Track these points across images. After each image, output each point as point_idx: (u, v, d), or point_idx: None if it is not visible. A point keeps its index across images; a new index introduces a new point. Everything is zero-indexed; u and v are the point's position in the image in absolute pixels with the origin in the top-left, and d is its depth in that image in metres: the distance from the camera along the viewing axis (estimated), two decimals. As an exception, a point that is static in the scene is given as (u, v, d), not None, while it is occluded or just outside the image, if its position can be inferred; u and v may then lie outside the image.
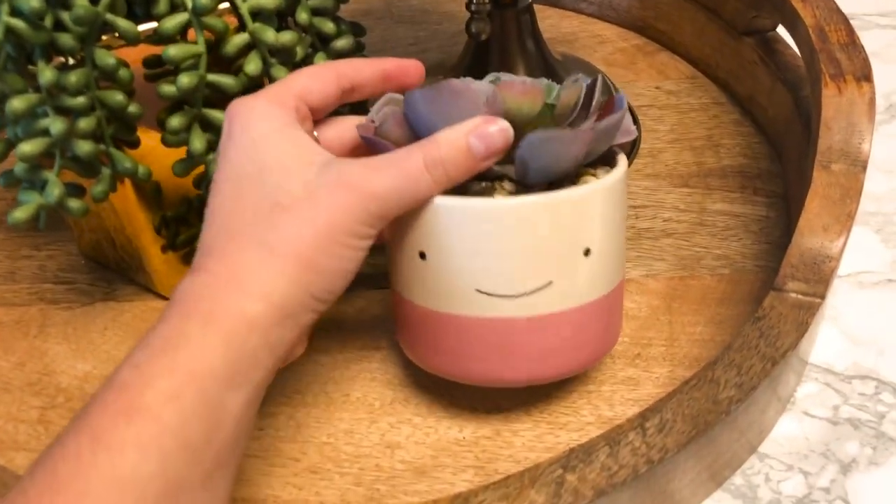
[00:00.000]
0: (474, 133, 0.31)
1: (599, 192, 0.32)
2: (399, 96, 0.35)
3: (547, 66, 0.48)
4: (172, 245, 0.43)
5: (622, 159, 0.35)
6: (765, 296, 0.41)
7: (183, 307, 0.28)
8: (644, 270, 0.43)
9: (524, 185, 0.32)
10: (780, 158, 0.49)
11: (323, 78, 0.33)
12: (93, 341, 0.42)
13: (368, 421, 0.37)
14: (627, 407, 0.37)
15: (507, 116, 0.32)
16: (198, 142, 0.36)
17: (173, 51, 0.34)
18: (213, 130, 0.37)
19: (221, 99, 0.36)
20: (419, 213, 0.32)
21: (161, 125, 0.36)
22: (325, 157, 0.31)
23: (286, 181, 0.30)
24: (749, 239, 0.45)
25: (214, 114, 0.36)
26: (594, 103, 0.33)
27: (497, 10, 0.45)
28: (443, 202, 0.31)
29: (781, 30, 0.50)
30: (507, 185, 0.33)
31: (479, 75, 0.35)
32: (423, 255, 0.33)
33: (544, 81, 0.35)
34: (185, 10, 0.34)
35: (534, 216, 0.31)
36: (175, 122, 0.35)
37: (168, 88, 0.34)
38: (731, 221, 0.46)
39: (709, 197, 0.47)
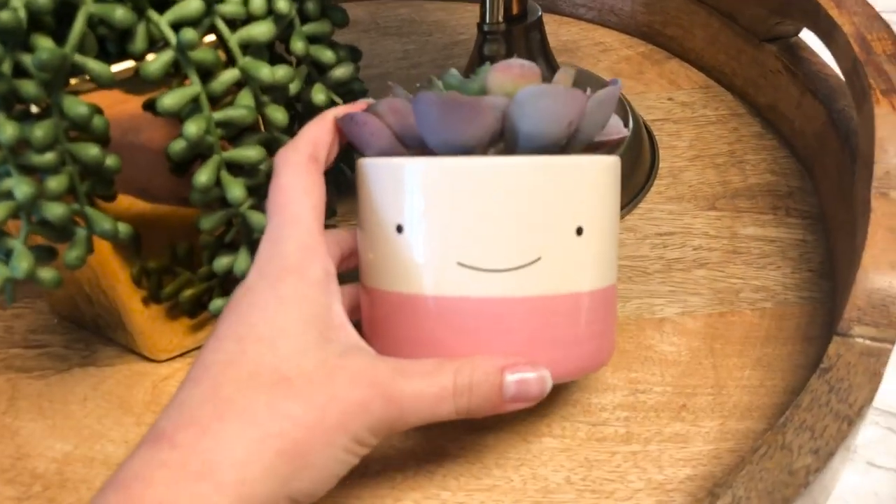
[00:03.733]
0: (511, 371, 0.28)
1: (593, 165, 0.30)
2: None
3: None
4: (156, 297, 0.38)
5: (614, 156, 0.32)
6: (814, 332, 0.38)
7: (128, 493, 0.24)
8: (679, 307, 0.40)
9: (512, 154, 0.30)
10: (811, 175, 0.46)
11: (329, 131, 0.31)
12: (72, 415, 0.37)
13: (392, 499, 0.33)
14: (678, 468, 0.33)
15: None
16: (237, 190, 0.32)
17: (168, 100, 0.29)
18: (245, 172, 0.33)
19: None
20: (398, 175, 0.29)
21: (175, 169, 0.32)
22: (348, 336, 0.28)
23: (299, 352, 0.26)
24: (788, 267, 0.41)
25: (241, 153, 0.32)
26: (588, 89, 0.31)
27: (508, 27, 0.41)
28: (425, 161, 0.29)
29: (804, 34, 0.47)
30: (493, 150, 0.30)
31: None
32: (399, 229, 0.30)
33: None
34: (168, 45, 0.30)
35: (523, 177, 0.29)
36: (203, 177, 0.31)
37: (178, 146, 0.30)
38: (766, 247, 0.42)
39: (739, 220, 0.44)
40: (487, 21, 0.40)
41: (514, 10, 0.41)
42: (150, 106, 0.32)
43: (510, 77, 0.30)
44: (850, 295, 0.33)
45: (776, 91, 0.48)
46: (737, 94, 0.52)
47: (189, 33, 0.29)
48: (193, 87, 0.31)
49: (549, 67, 0.43)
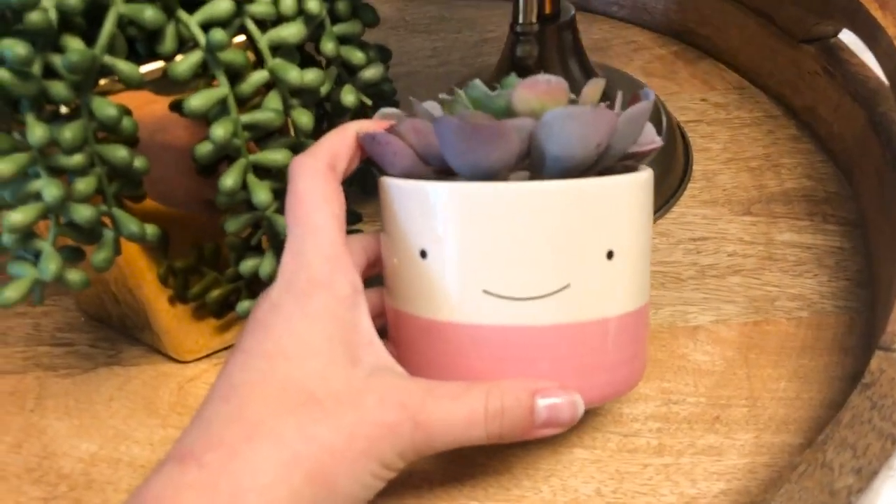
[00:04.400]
0: (542, 395, 0.28)
1: (626, 186, 0.29)
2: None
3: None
4: (182, 297, 0.38)
5: (647, 168, 0.31)
6: (851, 343, 0.37)
7: None
8: (713, 315, 0.39)
9: (538, 176, 0.29)
10: (849, 180, 0.44)
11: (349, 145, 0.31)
12: (97, 415, 0.37)
13: (418, 508, 0.33)
14: (712, 482, 0.33)
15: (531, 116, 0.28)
16: (262, 193, 0.32)
17: (196, 101, 0.29)
18: (271, 175, 0.33)
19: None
20: (421, 199, 0.29)
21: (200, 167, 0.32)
22: (377, 354, 0.28)
23: (328, 372, 0.26)
24: (825, 275, 0.40)
25: (268, 156, 0.31)
26: (619, 100, 0.30)
27: (540, 27, 0.40)
28: (449, 186, 0.28)
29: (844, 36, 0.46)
30: (520, 174, 0.29)
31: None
32: (424, 254, 0.29)
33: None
34: (197, 46, 0.30)
35: (551, 203, 0.28)
36: (230, 181, 0.31)
37: (204, 148, 0.30)
38: (802, 254, 0.41)
39: (775, 226, 0.43)
40: (520, 21, 0.39)
41: (547, 9, 0.40)
42: (176, 107, 0.31)
43: (536, 95, 0.28)
44: (892, 307, 0.32)
45: (814, 93, 0.47)
46: (772, 96, 0.50)
47: (218, 34, 0.29)
48: (221, 88, 0.30)
49: (582, 68, 0.43)
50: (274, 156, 0.32)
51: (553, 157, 0.28)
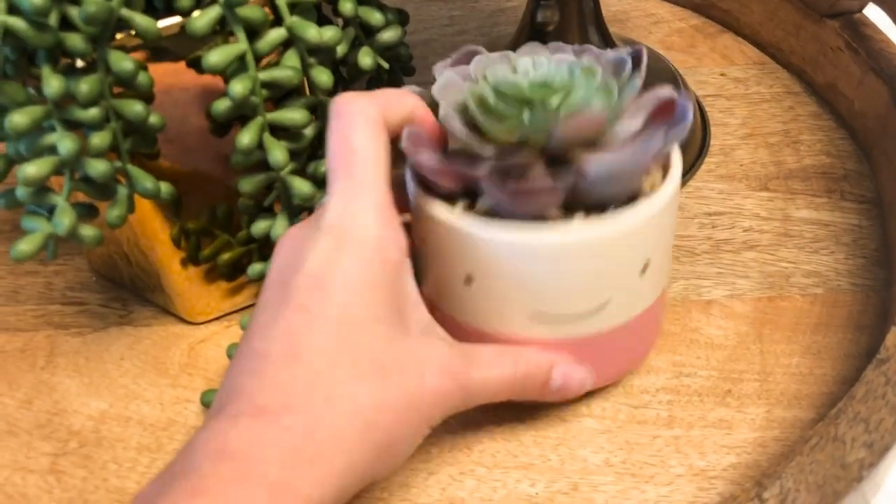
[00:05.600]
0: (558, 367, 0.31)
1: (660, 207, 0.29)
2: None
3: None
4: (194, 259, 0.38)
5: (676, 157, 0.30)
6: (866, 321, 0.37)
7: (240, 465, 0.23)
8: (727, 290, 0.38)
9: (579, 203, 0.29)
10: (868, 158, 0.44)
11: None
12: (108, 373, 0.37)
13: (426, 472, 0.33)
14: (721, 455, 0.32)
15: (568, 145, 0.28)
16: (279, 153, 0.31)
17: (214, 57, 0.28)
18: (288, 135, 0.32)
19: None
20: (464, 241, 0.28)
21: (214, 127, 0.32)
22: (423, 319, 0.29)
23: (390, 339, 0.26)
24: (841, 252, 0.40)
25: (286, 114, 0.31)
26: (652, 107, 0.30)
27: (561, -6, 0.39)
28: (492, 235, 0.28)
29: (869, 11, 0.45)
30: (564, 215, 0.29)
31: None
32: (468, 280, 0.29)
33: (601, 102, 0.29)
34: (216, 1, 0.29)
35: (592, 247, 0.28)
36: (246, 139, 0.30)
37: (222, 105, 0.29)
38: (819, 231, 0.41)
39: (792, 202, 0.42)
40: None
41: (568, -25, 0.40)
42: (194, 63, 0.31)
43: (575, 126, 0.27)
44: (911, 284, 0.32)
45: (836, 69, 0.46)
46: (793, 72, 0.50)
47: (239, -9, 0.29)
48: (240, 44, 0.30)
49: (601, 37, 0.42)
50: (291, 115, 0.32)
51: (597, 198, 0.28)
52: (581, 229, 0.28)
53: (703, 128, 0.47)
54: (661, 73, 0.47)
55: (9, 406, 0.36)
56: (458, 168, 0.28)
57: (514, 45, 0.44)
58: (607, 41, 0.43)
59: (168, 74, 0.31)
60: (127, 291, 0.41)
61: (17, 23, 0.26)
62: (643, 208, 0.28)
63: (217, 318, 0.39)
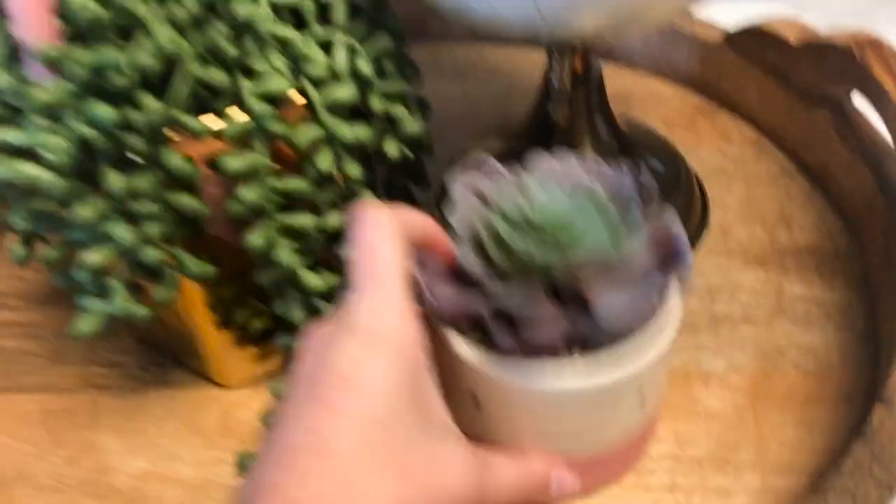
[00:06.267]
0: (556, 474, 0.33)
1: (661, 353, 0.32)
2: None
3: (616, 142, 0.46)
4: (227, 326, 0.41)
5: (677, 299, 0.33)
6: (856, 396, 0.39)
7: None
8: (725, 363, 0.41)
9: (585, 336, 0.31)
10: (858, 238, 0.47)
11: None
12: (147, 433, 0.40)
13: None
14: (719, 521, 0.35)
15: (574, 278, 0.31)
16: (285, 255, 0.34)
17: (233, 163, 0.32)
18: (301, 238, 0.35)
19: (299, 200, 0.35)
20: (471, 371, 0.31)
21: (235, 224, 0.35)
22: (441, 416, 0.30)
23: (413, 439, 0.27)
24: (832, 328, 0.43)
25: (298, 219, 0.34)
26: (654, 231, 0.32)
27: (572, 88, 0.43)
28: (496, 374, 0.31)
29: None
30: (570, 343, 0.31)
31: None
32: (476, 402, 0.32)
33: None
34: (252, 113, 0.32)
35: (593, 395, 0.31)
36: (256, 240, 0.33)
37: (237, 207, 0.32)
38: (811, 308, 0.44)
39: (786, 278, 0.45)
40: (554, 85, 0.42)
41: (579, 70, 0.43)
42: (213, 164, 0.34)
43: (584, 263, 0.30)
44: (894, 362, 0.34)
45: (827, 153, 0.49)
46: (787, 152, 0.53)
47: (266, 109, 0.32)
48: (258, 156, 0.33)
49: (608, 124, 0.45)
50: (302, 220, 0.35)
51: (607, 336, 0.31)
52: (582, 377, 0.30)
53: (702, 204, 0.50)
54: (662, 150, 0.51)
55: (56, 464, 0.39)
56: (467, 306, 0.30)
57: (526, 133, 0.47)
58: (613, 127, 0.46)
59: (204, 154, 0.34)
60: (164, 355, 0.44)
61: (93, 134, 0.29)
62: (649, 359, 0.31)
63: (250, 384, 0.42)
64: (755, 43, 0.53)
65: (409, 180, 0.44)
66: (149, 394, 0.42)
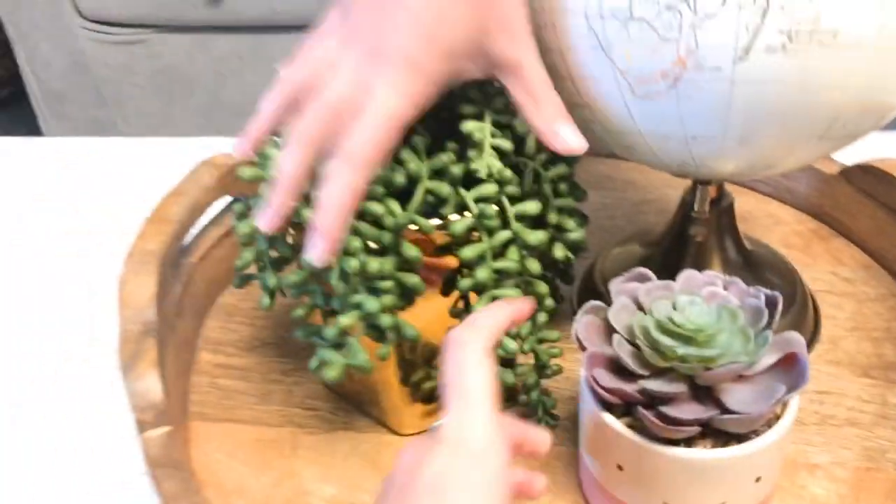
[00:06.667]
0: None
1: (779, 440, 0.38)
2: None
3: (743, 262, 0.53)
4: (404, 383, 0.49)
5: (794, 401, 0.40)
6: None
7: None
8: (831, 457, 0.47)
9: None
10: (958, 359, 0.53)
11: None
12: (336, 466, 0.49)
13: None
14: (822, 592, 0.41)
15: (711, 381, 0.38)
16: (510, 343, 0.43)
17: (468, 252, 0.41)
18: None
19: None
20: (619, 439, 0.39)
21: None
22: None
23: None
24: (931, 436, 0.48)
25: (506, 292, 0.43)
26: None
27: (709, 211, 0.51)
28: (644, 446, 0.38)
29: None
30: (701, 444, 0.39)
31: (675, 268, 0.43)
32: (620, 468, 0.40)
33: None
34: (472, 213, 0.42)
35: (722, 467, 0.38)
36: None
37: (466, 283, 0.42)
38: (912, 417, 0.50)
39: (889, 390, 0.51)
40: (695, 208, 0.51)
41: (714, 194, 0.52)
42: (446, 248, 0.44)
43: (721, 371, 0.37)
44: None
45: (932, 281, 0.56)
46: (895, 277, 0.59)
47: (488, 209, 0.42)
48: (484, 244, 0.42)
49: (736, 244, 0.53)
50: (507, 291, 0.44)
51: (731, 423, 0.38)
52: (708, 451, 0.38)
53: (815, 318, 0.56)
54: (781, 267, 0.58)
55: (265, 483, 0.48)
56: (622, 388, 0.38)
57: (667, 245, 0.55)
58: (740, 245, 0.54)
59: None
60: (349, 403, 0.53)
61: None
62: (772, 436, 0.38)
63: (419, 432, 0.51)
64: (868, 178, 0.61)
65: (558, 277, 0.53)
66: (337, 434, 0.51)
